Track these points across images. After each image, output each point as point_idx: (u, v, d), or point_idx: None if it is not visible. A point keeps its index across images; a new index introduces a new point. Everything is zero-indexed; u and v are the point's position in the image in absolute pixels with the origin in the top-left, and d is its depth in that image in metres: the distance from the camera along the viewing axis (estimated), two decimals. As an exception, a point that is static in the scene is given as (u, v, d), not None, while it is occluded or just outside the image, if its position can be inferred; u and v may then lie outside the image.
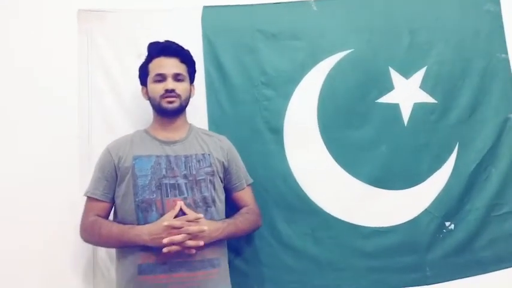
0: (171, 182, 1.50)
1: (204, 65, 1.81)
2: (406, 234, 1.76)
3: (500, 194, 1.79)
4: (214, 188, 1.55)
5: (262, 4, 1.85)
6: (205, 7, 1.84)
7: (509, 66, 1.84)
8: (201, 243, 1.41)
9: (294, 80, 1.83)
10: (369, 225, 1.76)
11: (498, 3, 1.86)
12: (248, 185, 1.67)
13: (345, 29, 1.86)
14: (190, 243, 1.40)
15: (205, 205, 1.51)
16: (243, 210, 1.62)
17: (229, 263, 1.65)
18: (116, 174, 1.52)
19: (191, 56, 1.64)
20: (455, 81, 1.83)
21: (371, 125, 1.81)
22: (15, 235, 1.68)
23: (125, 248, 1.47)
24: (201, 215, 1.45)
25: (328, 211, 1.76)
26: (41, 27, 1.82)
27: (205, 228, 1.42)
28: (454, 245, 1.76)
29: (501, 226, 1.78)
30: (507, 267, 1.75)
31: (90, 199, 1.53)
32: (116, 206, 1.53)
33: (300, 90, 1.82)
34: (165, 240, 1.38)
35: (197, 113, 1.78)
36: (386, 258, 1.75)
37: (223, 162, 1.60)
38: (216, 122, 1.80)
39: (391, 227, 1.77)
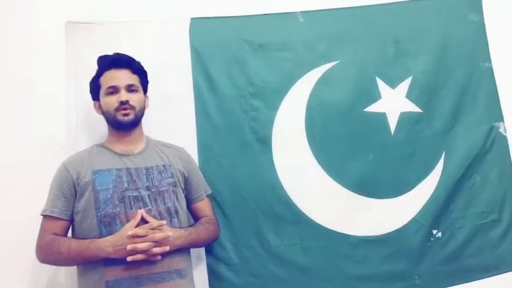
0: (134, 194, 1.48)
1: (193, 76, 1.82)
2: (394, 242, 1.76)
3: (486, 202, 1.81)
4: (177, 199, 1.55)
5: (250, 16, 1.87)
6: (193, 19, 1.85)
7: (493, 74, 1.87)
8: (167, 248, 1.40)
9: (281, 90, 1.84)
10: (357, 234, 1.77)
11: (481, 13, 1.88)
12: (207, 196, 1.68)
13: (332, 40, 1.88)
14: (156, 250, 1.38)
15: (170, 216, 1.50)
16: (203, 220, 1.62)
17: (219, 274, 1.66)
18: (75, 191, 1.47)
19: (142, 67, 1.62)
20: (440, 90, 1.85)
21: (358, 134, 1.82)
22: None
23: (87, 264, 1.43)
24: (164, 222, 1.44)
25: (316, 220, 1.77)
26: (29, 39, 1.83)
27: (170, 234, 1.42)
28: (441, 253, 1.77)
29: (487, 234, 1.79)
30: (493, 275, 1.77)
31: (47, 218, 1.47)
32: (75, 223, 1.48)
33: (287, 101, 1.83)
34: (128, 247, 1.35)
35: (185, 123, 1.79)
36: (375, 267, 1.75)
37: (183, 173, 1.60)
38: (205, 133, 1.80)
39: (379, 235, 1.77)
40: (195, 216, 1.65)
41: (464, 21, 1.89)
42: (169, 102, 1.81)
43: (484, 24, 1.88)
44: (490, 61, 1.87)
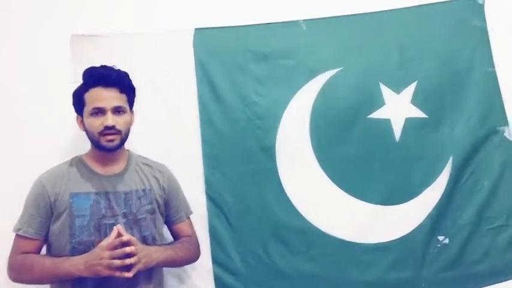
0: (111, 222, 1.42)
1: (197, 86, 1.84)
2: (401, 249, 1.76)
3: (493, 207, 1.80)
4: (155, 226, 1.51)
5: (253, 25, 1.88)
6: (196, 29, 1.86)
7: (497, 79, 1.86)
8: (141, 264, 1.35)
9: (285, 98, 1.84)
10: (363, 242, 1.76)
11: (483, 19, 1.88)
12: (188, 217, 1.65)
13: (335, 46, 1.89)
14: (129, 261, 1.32)
15: (145, 244, 1.44)
16: (182, 239, 1.60)
17: (226, 284, 1.67)
18: (51, 211, 1.41)
19: (131, 82, 1.52)
20: (445, 95, 1.85)
21: (363, 140, 1.82)
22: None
23: (60, 283, 1.40)
24: (133, 238, 1.37)
25: (322, 229, 1.77)
26: (35, 52, 1.84)
27: (137, 247, 1.36)
28: (448, 259, 1.76)
29: (495, 239, 1.78)
30: (502, 281, 1.75)
31: (19, 237, 1.41)
32: (50, 243, 1.43)
33: (291, 108, 1.84)
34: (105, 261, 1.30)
35: (190, 134, 1.81)
36: (382, 274, 1.75)
37: (164, 198, 1.56)
38: (210, 143, 1.81)
39: (385, 242, 1.77)
40: (175, 237, 1.63)
41: (468, 27, 1.88)
42: (173, 112, 1.82)
43: (486, 29, 1.87)
44: (493, 66, 1.86)
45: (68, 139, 1.76)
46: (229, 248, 1.74)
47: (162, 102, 1.81)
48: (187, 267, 1.70)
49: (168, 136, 1.79)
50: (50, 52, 1.84)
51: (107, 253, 1.31)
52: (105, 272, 1.32)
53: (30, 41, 1.86)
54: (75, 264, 1.34)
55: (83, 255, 1.35)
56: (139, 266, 1.35)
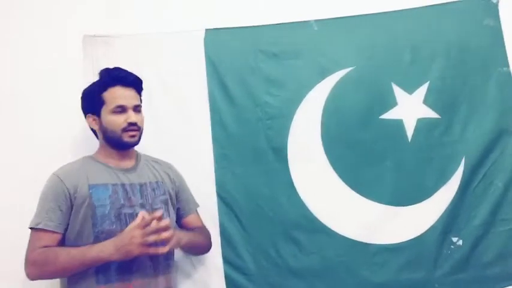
0: (129, 211, 1.45)
1: (208, 87, 1.84)
2: (414, 250, 1.74)
3: (507, 209, 1.77)
4: (170, 217, 1.53)
5: (264, 25, 1.87)
6: (207, 30, 1.86)
7: (511, 79, 1.83)
8: (170, 232, 1.38)
9: (297, 98, 1.84)
10: (375, 243, 1.75)
11: (497, 18, 1.85)
12: (196, 210, 1.69)
13: (346, 46, 1.88)
14: (165, 235, 1.36)
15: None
16: (196, 229, 1.65)
17: (237, 283, 1.67)
18: (71, 205, 1.42)
19: (142, 84, 1.59)
20: (458, 95, 1.83)
21: (375, 141, 1.81)
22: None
23: (79, 273, 1.38)
24: (160, 212, 1.39)
25: (334, 229, 1.76)
26: (47, 53, 1.86)
27: (172, 229, 1.41)
28: (462, 261, 1.74)
29: (509, 241, 1.75)
30: (516, 283, 1.74)
31: (39, 231, 1.40)
32: (68, 237, 1.43)
33: (303, 109, 1.83)
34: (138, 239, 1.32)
35: (201, 134, 1.81)
36: (395, 276, 1.73)
37: (175, 190, 1.62)
38: (221, 143, 1.81)
39: (398, 243, 1.75)
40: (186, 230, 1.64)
41: (480, 26, 1.86)
42: (185, 112, 1.83)
43: (501, 29, 1.84)
44: (508, 66, 1.83)
45: (74, 139, 1.78)
46: (240, 248, 1.74)
47: (174, 102, 1.82)
48: (198, 266, 1.72)
49: (179, 136, 1.80)
50: (62, 53, 1.85)
51: (139, 231, 1.33)
52: (138, 251, 1.33)
53: (42, 42, 1.87)
54: (104, 249, 1.35)
55: (111, 240, 1.36)
56: (173, 242, 1.39)
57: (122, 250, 1.34)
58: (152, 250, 1.35)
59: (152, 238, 1.34)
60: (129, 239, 1.33)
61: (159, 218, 1.36)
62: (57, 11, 1.91)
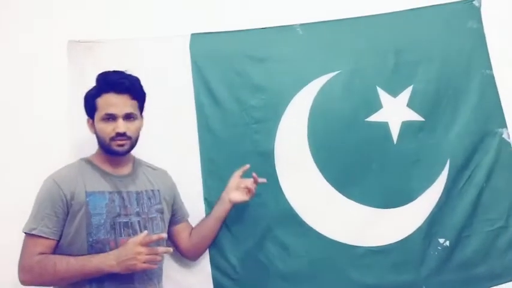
0: (125, 220, 1.44)
1: (194, 92, 1.83)
2: (401, 252, 1.75)
3: (492, 209, 1.79)
4: (165, 226, 1.56)
5: (249, 30, 1.88)
6: (193, 34, 1.86)
7: (495, 81, 1.85)
8: (170, 249, 1.46)
9: (283, 102, 1.84)
10: (363, 245, 1.75)
11: (480, 21, 1.88)
12: (187, 220, 1.72)
13: (331, 51, 1.88)
14: (161, 249, 1.40)
15: (157, 243, 1.44)
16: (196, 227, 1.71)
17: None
18: (68, 211, 1.40)
19: (142, 88, 1.55)
20: (442, 98, 1.84)
21: (361, 144, 1.82)
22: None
23: (76, 283, 1.37)
24: (164, 235, 1.47)
25: (322, 232, 1.76)
26: (32, 59, 1.85)
27: (171, 249, 1.46)
28: (449, 262, 1.75)
29: (495, 241, 1.77)
30: (502, 283, 1.75)
31: (33, 237, 1.37)
32: (62, 244, 1.41)
33: (289, 112, 1.83)
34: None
35: (188, 138, 1.80)
36: (382, 278, 1.74)
37: (171, 197, 1.63)
38: (207, 147, 1.81)
39: (385, 245, 1.76)
40: (179, 237, 1.67)
41: (464, 29, 1.88)
42: (171, 117, 1.82)
43: (483, 31, 1.87)
44: (491, 68, 1.85)
45: (63, 145, 1.75)
46: (228, 253, 1.73)
47: (159, 107, 1.80)
48: (186, 272, 1.72)
49: (165, 141, 1.79)
50: (47, 58, 1.85)
51: (144, 249, 1.34)
52: (141, 266, 1.35)
53: (27, 48, 1.87)
54: (105, 261, 1.35)
55: (112, 252, 1.37)
56: (170, 250, 1.46)
57: (123, 264, 1.34)
58: (152, 266, 1.39)
59: (158, 259, 1.39)
60: (134, 254, 1.34)
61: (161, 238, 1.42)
62: (42, 17, 1.90)
